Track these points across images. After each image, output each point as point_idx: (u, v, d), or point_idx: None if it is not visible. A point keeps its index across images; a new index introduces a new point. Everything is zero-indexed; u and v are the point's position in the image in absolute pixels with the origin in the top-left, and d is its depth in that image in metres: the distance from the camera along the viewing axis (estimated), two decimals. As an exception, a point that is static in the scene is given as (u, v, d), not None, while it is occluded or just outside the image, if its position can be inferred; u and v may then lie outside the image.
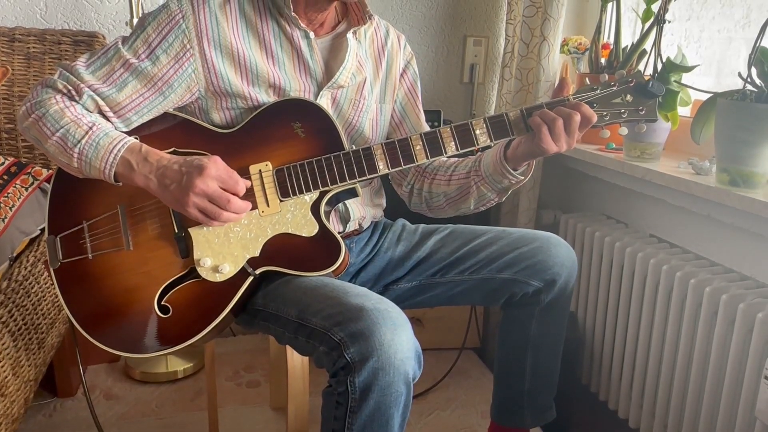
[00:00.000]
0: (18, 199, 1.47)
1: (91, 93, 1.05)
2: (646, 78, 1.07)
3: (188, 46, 1.07)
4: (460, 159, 1.22)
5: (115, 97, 1.06)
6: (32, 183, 1.52)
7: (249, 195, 1.07)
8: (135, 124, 1.10)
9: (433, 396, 1.83)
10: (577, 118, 1.02)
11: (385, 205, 1.32)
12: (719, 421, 1.25)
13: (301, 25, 1.11)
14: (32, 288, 1.36)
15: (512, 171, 1.10)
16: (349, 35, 1.16)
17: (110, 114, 1.07)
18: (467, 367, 1.98)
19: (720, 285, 1.26)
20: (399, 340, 0.91)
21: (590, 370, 1.65)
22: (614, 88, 1.07)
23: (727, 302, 1.21)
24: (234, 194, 1.01)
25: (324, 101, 1.15)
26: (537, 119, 1.04)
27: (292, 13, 1.10)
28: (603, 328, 1.59)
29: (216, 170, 0.99)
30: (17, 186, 1.50)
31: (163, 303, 1.06)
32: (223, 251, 1.06)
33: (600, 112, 1.07)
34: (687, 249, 1.43)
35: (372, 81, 1.22)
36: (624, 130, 1.10)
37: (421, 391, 1.82)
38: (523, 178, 1.12)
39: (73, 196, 1.12)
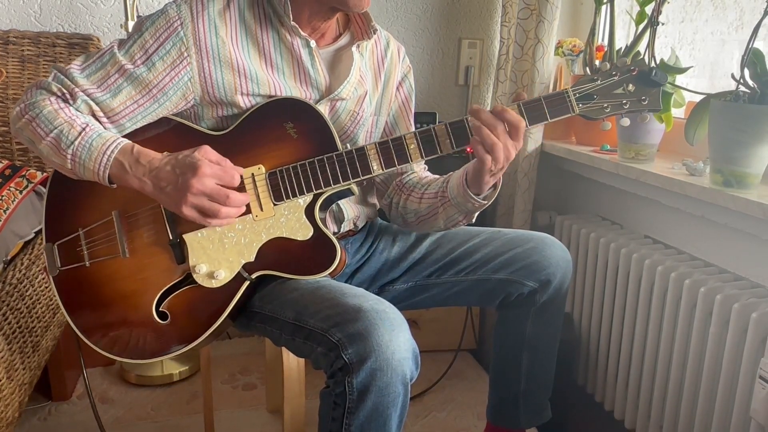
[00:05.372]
0: (12, 201, 1.47)
1: (86, 98, 1.04)
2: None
3: (185, 54, 1.06)
4: (435, 178, 1.22)
5: (109, 103, 1.05)
6: (27, 186, 1.52)
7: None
8: (128, 130, 1.09)
9: (430, 397, 1.83)
10: (501, 127, 1.00)
11: (378, 204, 1.32)
12: (714, 421, 1.25)
13: (302, 33, 1.10)
14: (27, 291, 1.35)
15: (473, 195, 1.08)
16: (354, 49, 1.15)
17: (104, 119, 1.06)
18: (463, 369, 1.98)
19: (714, 285, 1.26)
20: (397, 340, 0.91)
21: (586, 371, 1.66)
22: (615, 78, 1.04)
23: (722, 302, 1.22)
24: (231, 188, 1.00)
25: (322, 109, 1.13)
26: (476, 138, 1.01)
27: (292, 22, 1.08)
28: (598, 329, 1.59)
29: (210, 168, 0.98)
30: (11, 189, 1.49)
31: (161, 309, 1.06)
32: (218, 257, 1.05)
33: (600, 104, 1.04)
34: (681, 250, 1.44)
35: (371, 94, 1.21)
36: (626, 121, 1.07)
37: (417, 392, 1.82)
38: (485, 202, 1.10)
39: (68, 202, 1.11)
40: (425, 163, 1.29)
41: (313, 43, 1.11)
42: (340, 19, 1.18)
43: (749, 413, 1.18)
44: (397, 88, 1.27)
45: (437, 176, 1.22)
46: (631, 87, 1.04)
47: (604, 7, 1.61)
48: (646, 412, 1.45)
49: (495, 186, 1.10)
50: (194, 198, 0.98)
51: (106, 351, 1.07)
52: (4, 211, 1.44)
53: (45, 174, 1.56)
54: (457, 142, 1.05)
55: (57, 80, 1.05)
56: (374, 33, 1.16)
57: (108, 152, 1.00)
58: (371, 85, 1.21)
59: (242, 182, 1.06)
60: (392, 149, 1.06)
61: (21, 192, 1.50)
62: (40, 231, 1.43)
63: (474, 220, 1.17)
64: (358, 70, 1.16)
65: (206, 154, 0.99)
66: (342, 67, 1.15)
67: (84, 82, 1.05)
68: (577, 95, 1.04)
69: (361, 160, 1.06)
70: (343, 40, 1.18)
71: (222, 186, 0.99)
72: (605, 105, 1.05)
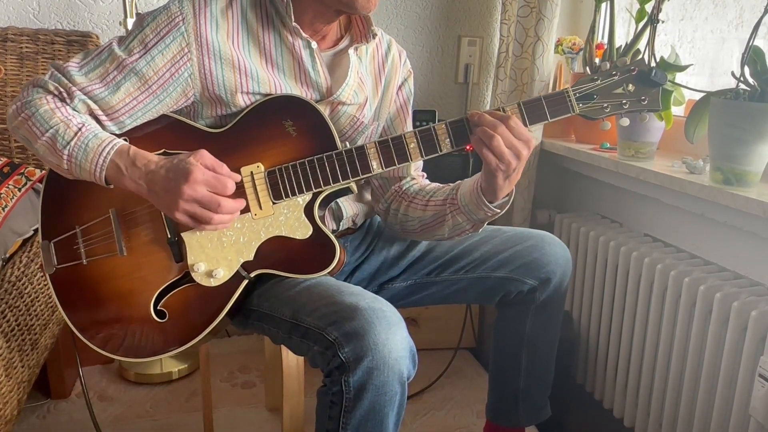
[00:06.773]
0: (11, 199, 1.47)
1: (83, 97, 1.03)
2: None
3: (186, 50, 1.05)
4: (440, 186, 1.21)
5: (109, 100, 1.04)
6: (25, 183, 1.52)
7: (241, 197, 1.05)
8: (128, 128, 1.08)
9: (429, 396, 1.83)
10: (500, 126, 0.98)
11: (375, 208, 1.31)
12: (714, 420, 1.25)
13: (303, 35, 1.09)
14: (25, 289, 1.35)
15: (487, 203, 1.07)
16: (351, 51, 1.14)
17: (103, 117, 1.05)
18: (463, 367, 1.98)
19: (714, 283, 1.26)
20: (393, 339, 0.91)
21: (585, 369, 1.65)
22: (615, 78, 1.04)
23: (721, 300, 1.22)
24: (224, 195, 0.99)
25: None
26: (475, 136, 1.01)
27: (294, 23, 1.08)
28: (598, 328, 1.59)
29: (202, 174, 0.96)
30: (10, 186, 1.49)
31: (159, 308, 1.06)
32: (216, 256, 1.05)
33: (600, 104, 1.04)
34: (681, 248, 1.43)
35: (371, 99, 1.20)
36: (626, 121, 1.07)
37: (416, 390, 1.82)
38: (499, 211, 1.08)
39: (65, 200, 1.11)
40: (423, 171, 1.29)
41: (314, 45, 1.10)
42: (342, 22, 1.17)
43: (748, 411, 1.18)
44: (397, 92, 1.25)
45: (441, 185, 1.21)
46: (630, 87, 1.04)
47: (604, 5, 1.61)
48: (645, 410, 1.45)
49: (509, 195, 1.08)
50: (186, 204, 0.97)
51: (103, 349, 1.07)
52: (3, 209, 1.43)
53: (43, 171, 1.55)
54: (457, 141, 1.05)
55: (54, 78, 1.04)
56: (373, 37, 1.15)
57: (104, 153, 0.99)
58: (371, 91, 1.20)
59: (241, 182, 1.06)
60: (392, 148, 1.05)
61: (20, 189, 1.50)
62: (38, 229, 1.43)
63: (480, 231, 1.16)
64: (356, 73, 1.15)
65: (202, 159, 0.98)
66: (341, 70, 1.14)
67: (82, 80, 1.04)
68: (578, 95, 1.04)
69: (361, 159, 1.06)
70: (344, 43, 1.17)
71: (215, 193, 0.98)
72: (605, 105, 1.05)
